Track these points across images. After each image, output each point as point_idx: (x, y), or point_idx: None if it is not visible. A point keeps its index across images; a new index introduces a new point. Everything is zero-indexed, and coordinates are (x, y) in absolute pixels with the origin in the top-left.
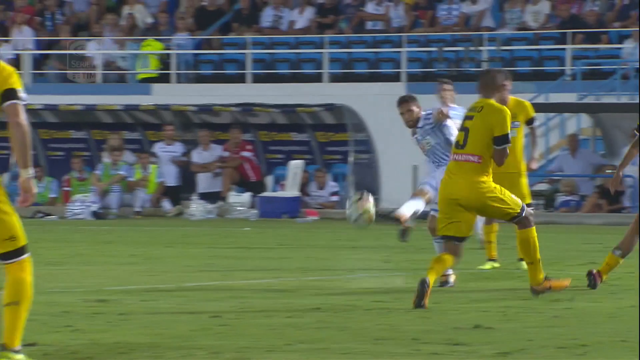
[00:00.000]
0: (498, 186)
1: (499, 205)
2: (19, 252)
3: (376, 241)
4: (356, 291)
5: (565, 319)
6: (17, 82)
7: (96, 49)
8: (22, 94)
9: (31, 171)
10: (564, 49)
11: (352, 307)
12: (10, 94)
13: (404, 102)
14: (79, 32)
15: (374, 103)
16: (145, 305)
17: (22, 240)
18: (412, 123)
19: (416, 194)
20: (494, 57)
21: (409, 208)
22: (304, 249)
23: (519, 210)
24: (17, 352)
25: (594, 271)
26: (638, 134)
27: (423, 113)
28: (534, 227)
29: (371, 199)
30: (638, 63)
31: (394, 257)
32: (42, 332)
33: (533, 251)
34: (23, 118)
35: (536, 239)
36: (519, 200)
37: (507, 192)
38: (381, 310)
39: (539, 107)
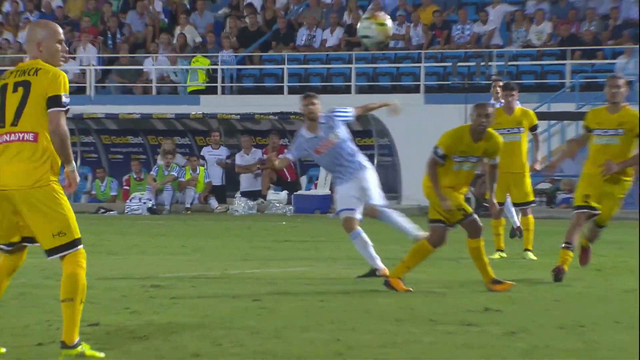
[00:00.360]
0: (452, 193)
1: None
2: (70, 245)
3: (398, 234)
4: (379, 278)
5: (564, 303)
6: (60, 87)
7: (151, 65)
8: (64, 99)
9: (74, 165)
10: (564, 64)
11: (375, 292)
12: (53, 101)
13: (309, 96)
14: (137, 50)
15: None
16: (193, 290)
17: (74, 235)
18: (314, 116)
19: (359, 239)
20: (502, 72)
21: (375, 259)
22: (334, 241)
23: (460, 218)
24: (75, 346)
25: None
26: (585, 130)
27: (325, 113)
28: (482, 238)
29: (387, 15)
30: (633, 77)
31: None
32: (104, 314)
33: (482, 257)
34: (61, 124)
35: (483, 246)
36: (465, 209)
37: (456, 200)
38: (401, 294)
39: (542, 116)
